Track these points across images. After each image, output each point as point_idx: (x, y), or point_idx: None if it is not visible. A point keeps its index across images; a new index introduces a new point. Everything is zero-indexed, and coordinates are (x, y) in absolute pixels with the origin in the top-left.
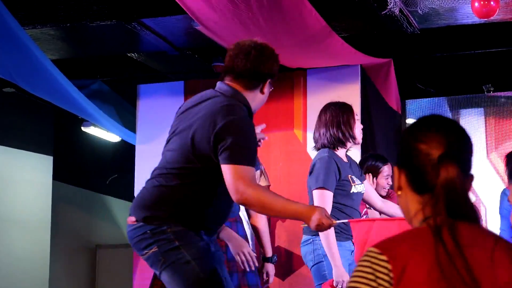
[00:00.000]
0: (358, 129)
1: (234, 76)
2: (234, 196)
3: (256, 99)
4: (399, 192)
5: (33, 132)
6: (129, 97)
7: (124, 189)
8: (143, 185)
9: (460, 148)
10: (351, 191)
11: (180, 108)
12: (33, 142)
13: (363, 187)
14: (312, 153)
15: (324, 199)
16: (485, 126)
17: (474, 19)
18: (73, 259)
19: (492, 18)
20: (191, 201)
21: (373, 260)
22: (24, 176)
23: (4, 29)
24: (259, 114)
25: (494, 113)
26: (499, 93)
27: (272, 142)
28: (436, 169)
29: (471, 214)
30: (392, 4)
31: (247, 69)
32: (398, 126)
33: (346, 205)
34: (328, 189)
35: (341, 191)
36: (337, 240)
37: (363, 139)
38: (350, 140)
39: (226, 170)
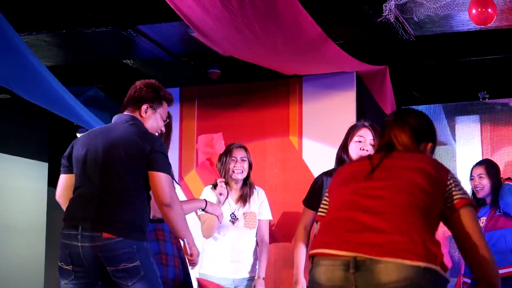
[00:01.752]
0: (355, 149)
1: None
2: (165, 200)
3: (144, 120)
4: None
5: (28, 138)
6: None
7: None
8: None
9: (407, 118)
10: None
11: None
12: (28, 149)
13: None
14: (308, 160)
15: (302, 214)
16: (481, 133)
17: (469, 26)
18: None
19: (488, 25)
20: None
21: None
22: (20, 183)
23: None
24: (255, 121)
25: (489, 120)
26: (494, 100)
27: (268, 149)
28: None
29: (403, 148)
30: (387, 11)
31: (129, 97)
32: None
33: None
34: (305, 206)
35: None
36: None
37: None
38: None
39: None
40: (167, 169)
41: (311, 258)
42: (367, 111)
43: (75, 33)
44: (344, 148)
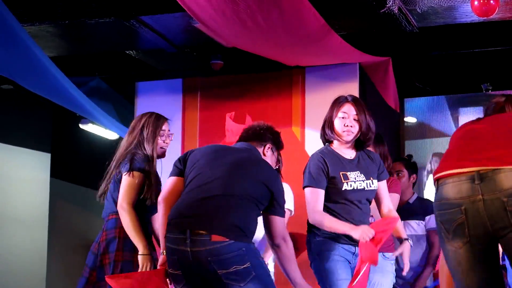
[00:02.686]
0: (339, 126)
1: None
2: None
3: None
4: None
5: (31, 129)
6: (127, 95)
7: None
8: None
9: None
10: (343, 188)
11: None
12: (31, 140)
13: (367, 183)
14: (310, 151)
15: (311, 196)
16: None
17: (473, 17)
18: (70, 256)
19: (491, 16)
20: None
21: None
22: (22, 173)
23: (2, 26)
24: (258, 111)
25: None
26: (497, 92)
27: None
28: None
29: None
30: (391, 3)
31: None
32: (397, 124)
33: (338, 201)
34: (313, 187)
35: (332, 187)
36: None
37: None
38: (335, 138)
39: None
40: (283, 212)
41: (436, 181)
42: (369, 102)
43: (78, 24)
44: (329, 123)
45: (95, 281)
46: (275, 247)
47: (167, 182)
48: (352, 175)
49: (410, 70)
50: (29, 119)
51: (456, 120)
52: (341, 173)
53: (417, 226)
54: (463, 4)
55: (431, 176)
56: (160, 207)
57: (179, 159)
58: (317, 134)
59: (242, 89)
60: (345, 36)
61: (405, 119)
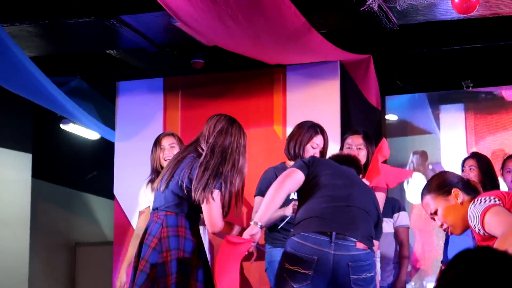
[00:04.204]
0: (308, 154)
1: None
2: None
3: None
4: None
5: (12, 129)
6: (108, 94)
7: (103, 187)
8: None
9: None
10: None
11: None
12: (12, 140)
13: None
14: None
15: (256, 205)
16: (465, 121)
17: (453, 15)
18: (52, 257)
19: (471, 14)
20: None
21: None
22: (3, 174)
23: None
24: (239, 110)
25: (473, 109)
26: (478, 89)
27: (252, 139)
28: None
29: None
30: (371, 0)
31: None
32: (378, 122)
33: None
34: (259, 196)
35: None
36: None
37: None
38: (296, 158)
39: None
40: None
41: None
42: (350, 100)
43: (58, 24)
44: (299, 146)
45: (155, 277)
46: None
47: (294, 172)
48: None
49: (391, 68)
50: (10, 120)
51: (437, 117)
52: None
53: (386, 225)
54: (443, 2)
55: (414, 174)
56: (282, 188)
57: (308, 161)
58: None
59: (223, 88)
60: (326, 34)
61: (387, 116)
